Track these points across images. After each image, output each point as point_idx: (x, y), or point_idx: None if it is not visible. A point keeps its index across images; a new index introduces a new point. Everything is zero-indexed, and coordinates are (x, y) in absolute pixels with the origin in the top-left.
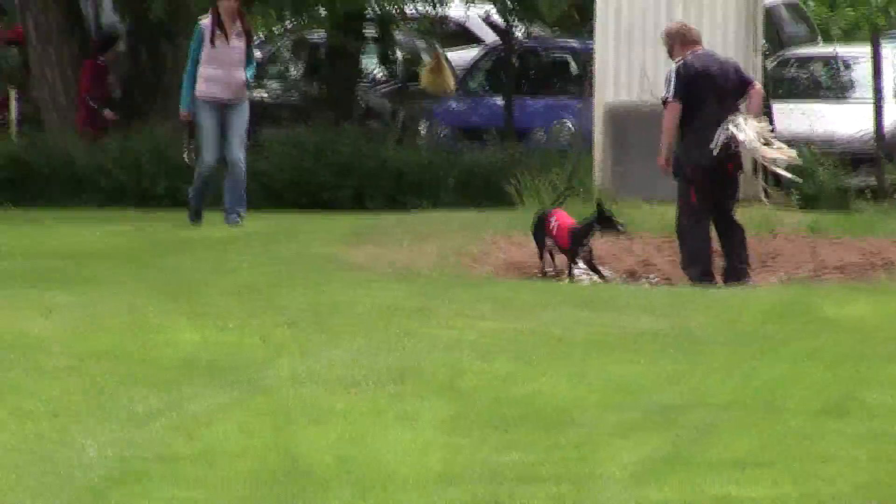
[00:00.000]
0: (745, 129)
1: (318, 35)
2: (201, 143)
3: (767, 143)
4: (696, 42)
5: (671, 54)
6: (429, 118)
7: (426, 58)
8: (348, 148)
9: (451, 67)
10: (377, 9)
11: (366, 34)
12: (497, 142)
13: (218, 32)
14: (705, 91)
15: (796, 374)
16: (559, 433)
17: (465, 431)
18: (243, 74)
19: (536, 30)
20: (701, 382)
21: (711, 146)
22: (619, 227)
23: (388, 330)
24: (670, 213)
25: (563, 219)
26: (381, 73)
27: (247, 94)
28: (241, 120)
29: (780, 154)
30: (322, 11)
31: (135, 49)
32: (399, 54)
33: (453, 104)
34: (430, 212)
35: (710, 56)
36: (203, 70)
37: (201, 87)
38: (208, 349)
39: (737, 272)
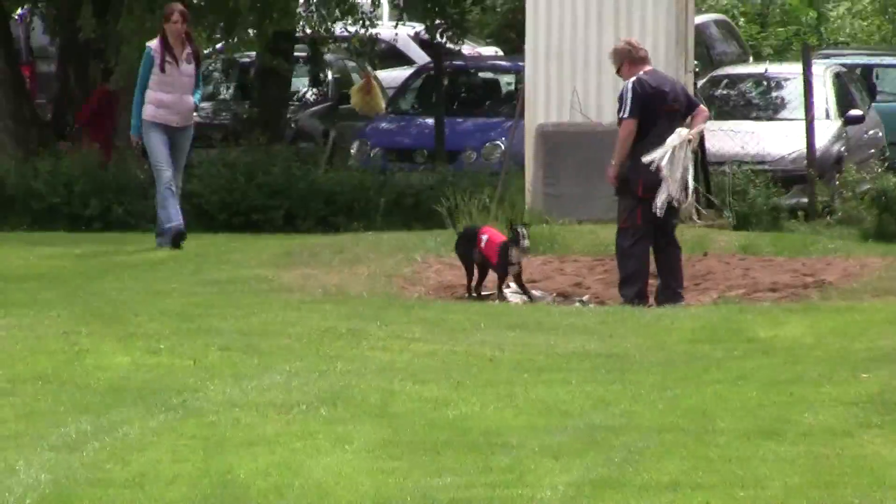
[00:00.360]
0: (679, 152)
1: (248, 56)
2: (154, 161)
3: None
4: (644, 60)
5: (619, 72)
6: (359, 139)
7: (356, 78)
8: (279, 169)
9: (382, 88)
10: (307, 29)
11: (296, 55)
12: (428, 163)
13: (168, 58)
14: (658, 110)
15: (728, 396)
16: (490, 456)
17: (397, 455)
18: (192, 100)
19: (469, 47)
20: (632, 404)
21: (649, 159)
22: (522, 246)
23: (321, 353)
24: (602, 233)
25: (495, 235)
26: (312, 94)
27: (193, 120)
28: (185, 146)
29: (670, 188)
30: (252, 32)
31: (64, 70)
32: (330, 75)
33: (384, 125)
34: (361, 233)
35: (662, 76)
36: (153, 95)
37: (150, 112)
38: (140, 373)
39: (672, 294)
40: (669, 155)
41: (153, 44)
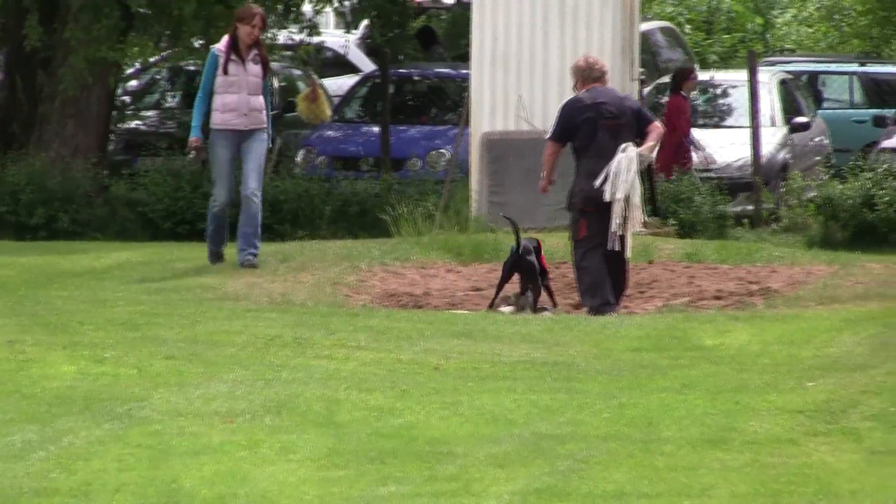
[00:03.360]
0: (624, 179)
1: (194, 64)
2: (214, 178)
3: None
4: (597, 80)
5: (574, 89)
6: (305, 147)
7: (302, 86)
8: None
9: (328, 96)
10: None
11: None
12: (373, 171)
13: (233, 58)
14: (595, 124)
15: (674, 404)
16: (436, 465)
17: (341, 464)
18: (260, 100)
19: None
20: (577, 412)
21: (595, 182)
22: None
23: (266, 361)
24: (547, 241)
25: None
26: None
27: (264, 122)
28: (258, 151)
29: (634, 224)
30: (198, 41)
31: (10, 78)
32: (276, 83)
33: (329, 133)
34: (306, 241)
35: (605, 91)
36: (219, 99)
37: (217, 118)
38: (85, 382)
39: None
40: (612, 180)
41: (219, 45)
